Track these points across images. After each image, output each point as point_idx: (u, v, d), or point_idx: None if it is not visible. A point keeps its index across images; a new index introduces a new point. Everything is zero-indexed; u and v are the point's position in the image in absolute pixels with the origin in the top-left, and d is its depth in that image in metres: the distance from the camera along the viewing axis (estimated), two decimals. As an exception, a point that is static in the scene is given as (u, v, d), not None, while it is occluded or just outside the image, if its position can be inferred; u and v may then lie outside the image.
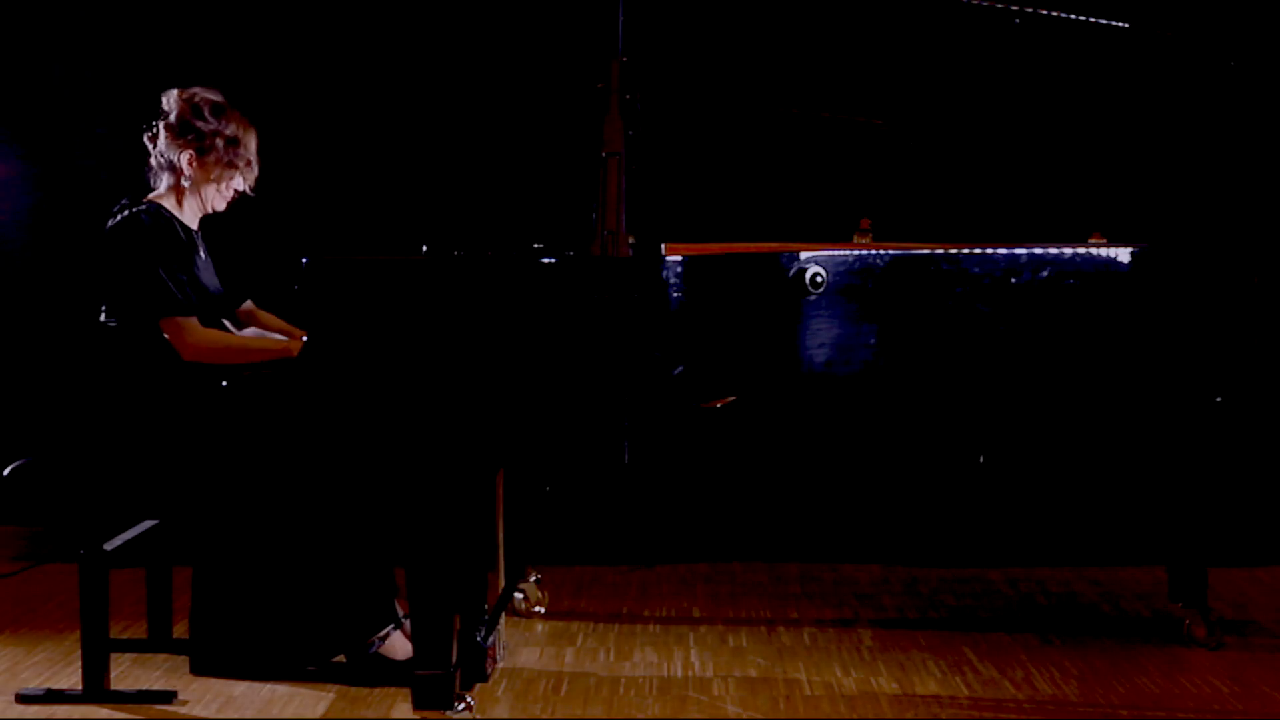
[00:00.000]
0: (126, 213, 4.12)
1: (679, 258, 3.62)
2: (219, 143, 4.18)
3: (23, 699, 4.04)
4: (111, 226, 4.11)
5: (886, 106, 4.60)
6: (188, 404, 4.02)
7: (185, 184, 4.19)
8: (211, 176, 4.20)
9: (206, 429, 4.00)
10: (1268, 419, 5.20)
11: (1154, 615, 4.73)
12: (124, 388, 4.09)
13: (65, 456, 4.06)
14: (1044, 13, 4.35)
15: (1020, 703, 3.99)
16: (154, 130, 4.20)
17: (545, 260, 3.62)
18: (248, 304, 4.40)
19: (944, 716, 3.89)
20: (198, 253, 4.21)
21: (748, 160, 5.21)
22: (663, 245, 3.76)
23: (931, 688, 4.10)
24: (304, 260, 3.74)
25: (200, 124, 4.17)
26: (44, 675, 4.24)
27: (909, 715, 3.90)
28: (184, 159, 4.17)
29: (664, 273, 3.58)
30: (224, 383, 3.98)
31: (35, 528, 5.38)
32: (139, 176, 4.30)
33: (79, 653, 4.00)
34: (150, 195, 4.22)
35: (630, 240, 3.85)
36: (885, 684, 4.13)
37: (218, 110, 4.20)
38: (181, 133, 4.17)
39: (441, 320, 3.54)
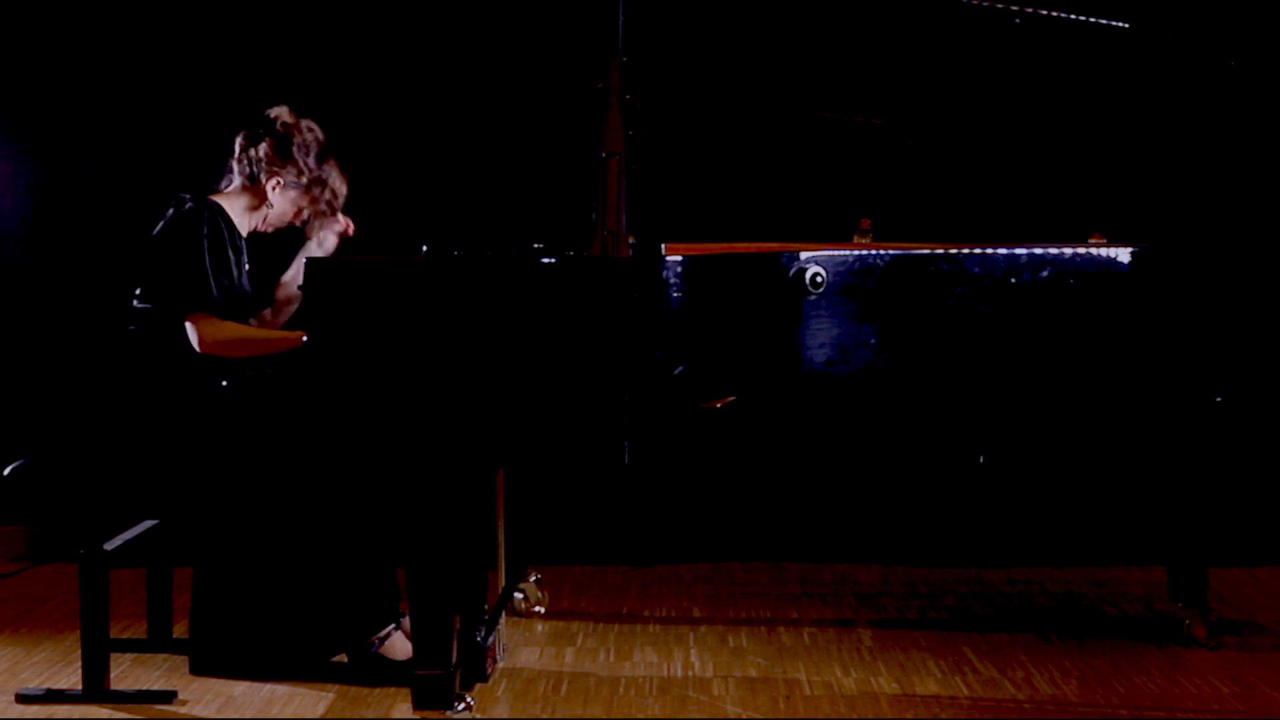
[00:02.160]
0: (191, 205, 4.12)
1: (679, 258, 3.62)
2: (316, 190, 4.23)
3: (23, 699, 4.04)
4: (174, 215, 4.11)
5: (886, 106, 4.60)
6: (189, 403, 4.03)
7: (260, 203, 4.21)
8: (288, 214, 4.24)
9: (207, 428, 4.00)
10: (1268, 419, 5.20)
11: (1154, 615, 4.73)
12: (134, 380, 4.10)
13: (65, 456, 4.06)
14: (1044, 13, 4.35)
15: (1020, 703, 3.99)
16: (256, 139, 4.19)
17: (545, 260, 3.61)
18: None
19: (944, 716, 3.89)
20: (244, 260, 4.21)
21: (748, 160, 5.21)
22: (663, 245, 3.76)
23: (931, 688, 4.10)
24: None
25: (304, 160, 4.19)
26: (44, 675, 4.24)
27: (909, 715, 3.90)
28: (271, 184, 4.19)
29: (664, 273, 3.58)
30: (224, 382, 3.98)
31: (35, 528, 5.38)
32: (140, 177, 4.29)
33: (79, 653, 4.00)
34: (214, 195, 4.21)
35: (630, 240, 3.85)
36: (885, 684, 4.13)
37: (323, 154, 4.23)
38: (284, 158, 4.18)
39: (441, 321, 3.54)
